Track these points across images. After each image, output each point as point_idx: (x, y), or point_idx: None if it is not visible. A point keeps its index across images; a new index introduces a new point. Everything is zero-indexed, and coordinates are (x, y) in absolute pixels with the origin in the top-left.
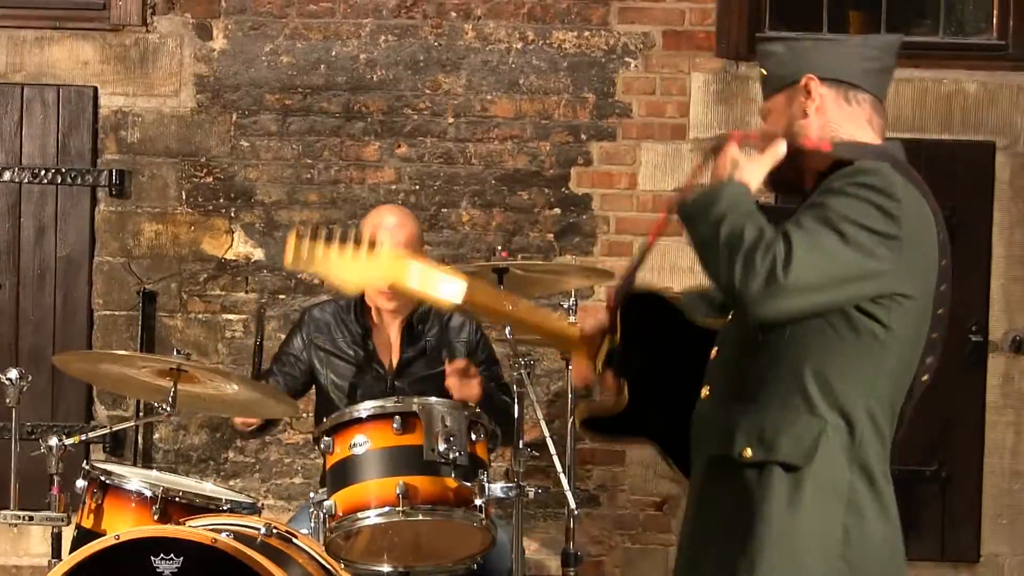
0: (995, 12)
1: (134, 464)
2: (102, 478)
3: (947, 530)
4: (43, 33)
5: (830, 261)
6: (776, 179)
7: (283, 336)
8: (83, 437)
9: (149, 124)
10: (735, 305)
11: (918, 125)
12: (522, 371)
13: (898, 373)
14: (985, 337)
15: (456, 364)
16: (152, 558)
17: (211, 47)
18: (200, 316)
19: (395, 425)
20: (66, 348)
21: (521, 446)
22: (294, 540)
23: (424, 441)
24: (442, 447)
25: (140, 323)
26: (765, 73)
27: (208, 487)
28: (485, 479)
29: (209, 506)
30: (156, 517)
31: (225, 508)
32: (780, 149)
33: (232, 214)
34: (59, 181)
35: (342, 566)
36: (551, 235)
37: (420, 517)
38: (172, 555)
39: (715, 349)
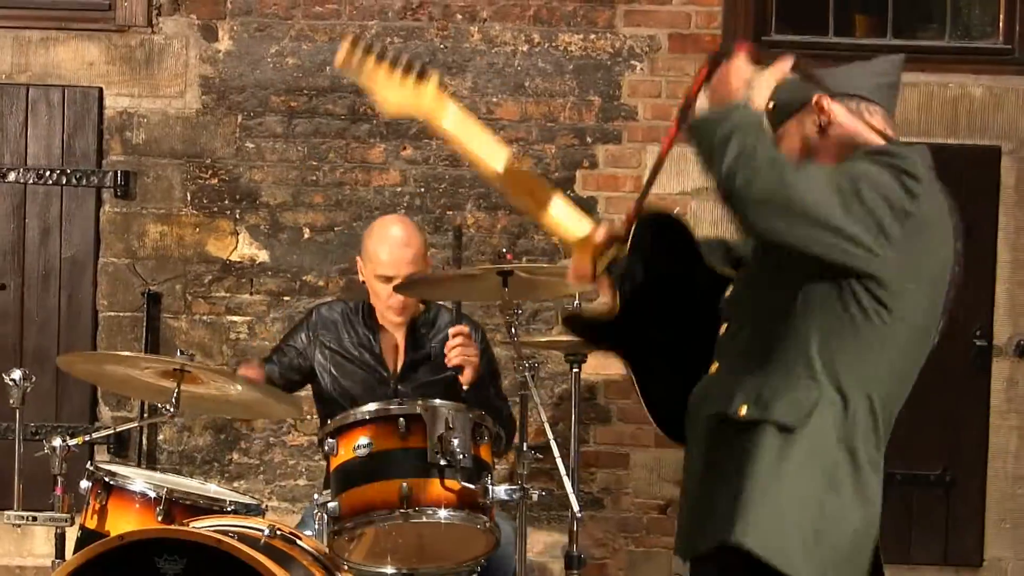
0: (1001, 16)
1: (138, 465)
2: (106, 479)
3: (950, 534)
4: (48, 34)
5: (838, 204)
6: None
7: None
8: (87, 438)
9: (154, 125)
10: (734, 210)
11: (923, 129)
12: (526, 373)
13: (900, 368)
14: (989, 342)
15: (460, 328)
16: (156, 559)
17: (216, 48)
18: (205, 318)
19: (399, 427)
20: (70, 349)
21: (525, 449)
22: (298, 542)
23: (428, 443)
24: (446, 449)
25: (145, 324)
26: (772, 104)
27: (212, 488)
28: (489, 481)
29: (213, 507)
30: (160, 518)
31: (229, 509)
32: (785, 66)
33: (237, 216)
34: (64, 182)
35: (346, 568)
36: (556, 238)
37: (424, 519)
38: (176, 556)
39: (724, 326)
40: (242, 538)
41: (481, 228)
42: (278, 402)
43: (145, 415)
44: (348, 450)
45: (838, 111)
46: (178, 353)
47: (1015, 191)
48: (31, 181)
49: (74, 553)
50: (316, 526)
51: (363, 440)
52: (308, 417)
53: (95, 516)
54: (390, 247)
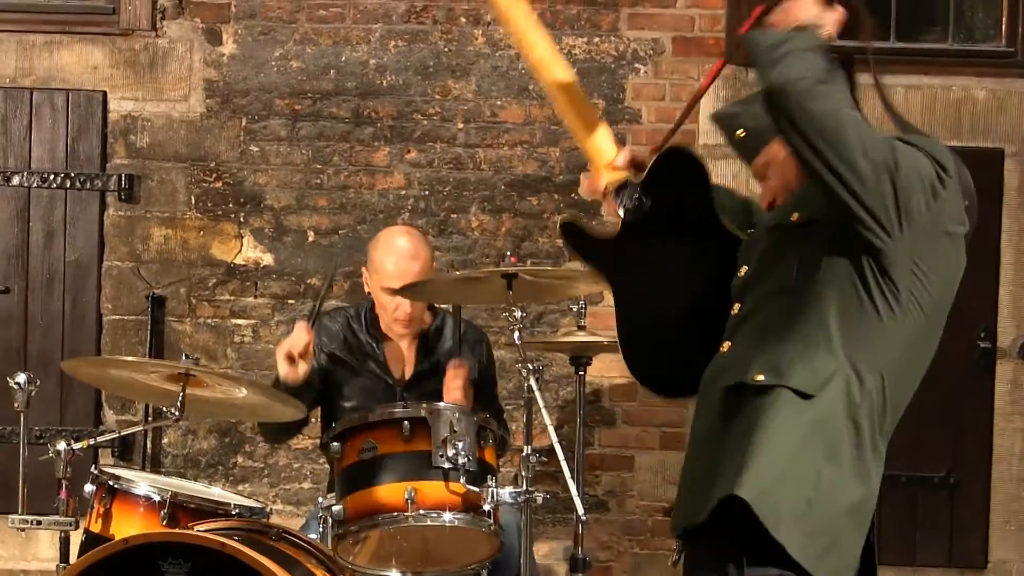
0: (1004, 19)
1: (143, 469)
2: (110, 482)
3: (955, 536)
4: (52, 38)
5: (871, 172)
6: None
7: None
8: (91, 441)
9: (158, 129)
10: (782, 111)
11: (927, 132)
12: (531, 376)
13: (909, 359)
14: (994, 344)
15: (459, 365)
16: (160, 562)
17: (221, 52)
18: (209, 321)
19: (404, 430)
20: (75, 353)
21: (529, 452)
22: (302, 545)
23: (433, 447)
24: (451, 452)
25: (149, 328)
26: (744, 133)
27: (216, 492)
28: (494, 484)
29: (218, 511)
30: (164, 522)
31: (233, 513)
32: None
33: (241, 219)
34: (68, 186)
35: (350, 571)
36: (560, 241)
37: (428, 522)
38: (180, 560)
39: (736, 305)
40: (247, 541)
41: (486, 231)
42: (283, 404)
43: (149, 419)
44: (353, 453)
45: None
46: (183, 357)
47: (1018, 193)
48: (35, 185)
49: (78, 557)
50: (320, 529)
51: (368, 443)
52: (313, 420)
53: (99, 520)
54: (396, 259)
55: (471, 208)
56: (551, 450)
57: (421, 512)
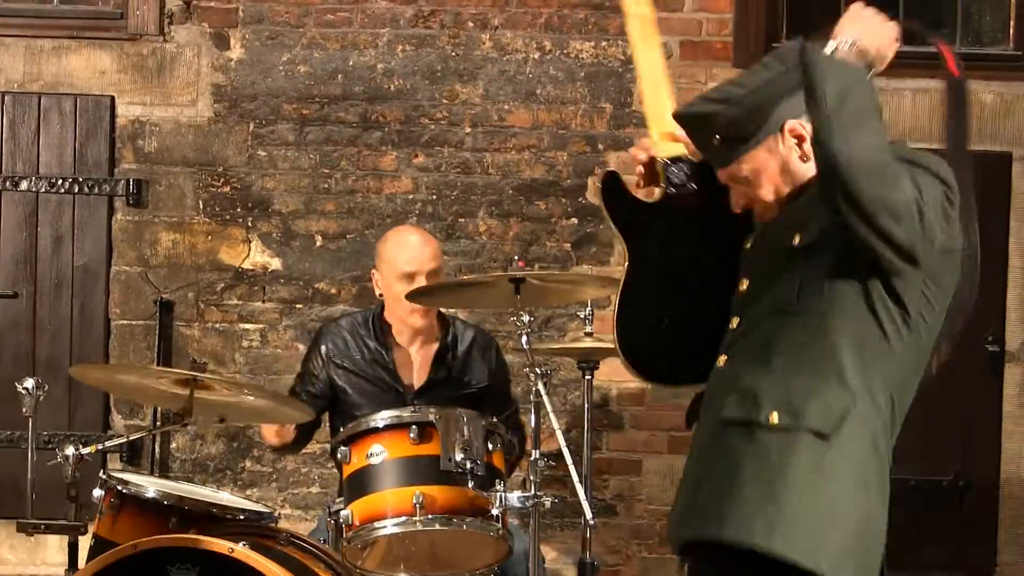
0: (1012, 23)
1: (151, 473)
2: (119, 487)
3: (963, 540)
4: (60, 43)
5: (910, 212)
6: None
7: (300, 347)
8: (100, 446)
9: (166, 134)
10: (833, 158)
11: (934, 135)
12: (538, 381)
13: (912, 374)
14: (1002, 347)
15: None
16: (169, 567)
17: (228, 57)
18: (217, 326)
19: (412, 435)
20: (83, 358)
21: (537, 456)
22: (311, 549)
23: (441, 451)
24: (459, 457)
25: (157, 333)
26: (719, 140)
27: (225, 496)
28: (502, 489)
29: (226, 515)
30: (173, 527)
31: (242, 517)
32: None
33: (249, 224)
34: (76, 190)
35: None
36: (568, 245)
37: (437, 527)
38: (189, 564)
39: (735, 319)
40: (255, 546)
41: (493, 236)
42: (290, 408)
43: (158, 423)
44: (361, 458)
45: (810, 133)
46: (191, 361)
47: None
48: (43, 190)
49: (87, 562)
50: (329, 534)
51: (376, 448)
52: (321, 425)
53: (108, 525)
54: (409, 246)
55: (479, 212)
56: (559, 454)
57: (429, 516)
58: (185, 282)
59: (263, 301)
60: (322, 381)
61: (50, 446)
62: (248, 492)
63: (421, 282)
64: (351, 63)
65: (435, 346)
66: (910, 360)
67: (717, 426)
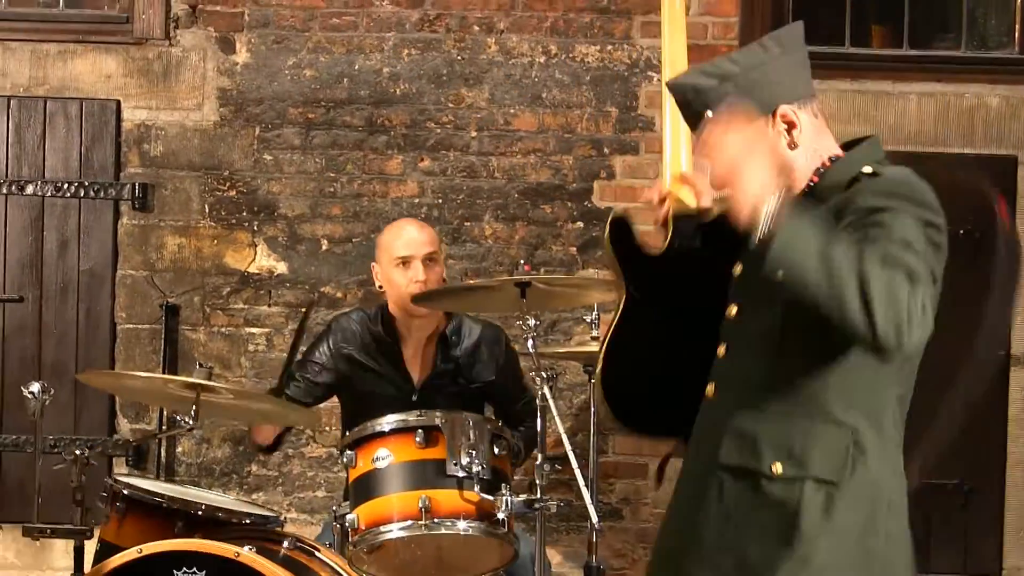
0: (1017, 26)
1: (157, 477)
2: (125, 492)
3: (969, 544)
4: (66, 47)
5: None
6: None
7: (304, 350)
8: (106, 450)
9: (172, 138)
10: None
11: (940, 139)
12: (544, 384)
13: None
14: (1007, 351)
15: None
16: (175, 572)
17: (234, 61)
18: (223, 330)
19: (418, 439)
20: (89, 362)
21: (543, 460)
22: (316, 554)
23: (447, 455)
24: (465, 460)
25: (163, 337)
26: (711, 113)
27: (230, 500)
28: (508, 492)
29: (232, 520)
30: (178, 531)
31: (248, 522)
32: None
33: (255, 227)
34: (82, 195)
35: None
36: (574, 249)
37: (443, 531)
38: (195, 569)
39: (723, 347)
40: (261, 551)
41: (499, 239)
42: (295, 412)
43: (164, 427)
44: (367, 462)
45: (804, 120)
46: (197, 366)
47: None
48: (49, 194)
49: (93, 566)
50: (335, 538)
51: (382, 452)
52: (327, 429)
53: (114, 529)
54: (404, 232)
55: (484, 216)
56: (565, 458)
57: (435, 520)
58: (191, 286)
59: (269, 305)
60: (327, 371)
61: (56, 450)
62: (254, 496)
63: (417, 268)
64: (357, 67)
65: (440, 336)
66: (906, 376)
67: (712, 468)
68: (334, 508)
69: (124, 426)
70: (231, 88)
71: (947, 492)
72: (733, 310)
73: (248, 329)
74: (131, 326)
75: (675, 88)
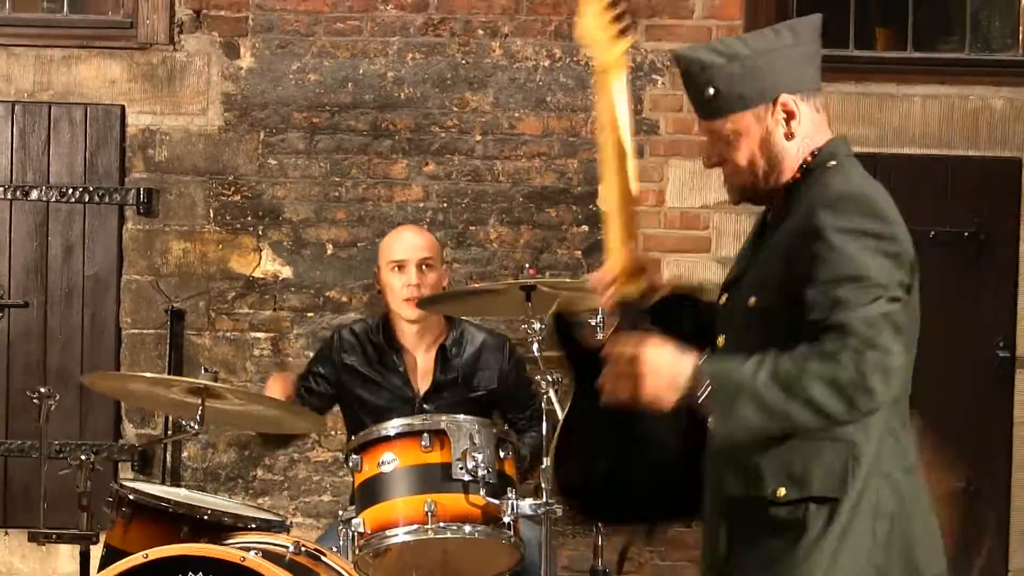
0: (1021, 28)
1: (162, 482)
2: (130, 496)
3: (975, 545)
4: (70, 52)
5: (886, 317)
6: (751, 195)
7: (311, 356)
8: (111, 455)
9: (177, 142)
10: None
11: (944, 141)
12: (550, 388)
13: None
14: (1012, 353)
15: None
16: None
17: (238, 65)
18: (228, 334)
19: (423, 443)
20: (94, 367)
21: (548, 463)
22: (322, 558)
23: (452, 459)
24: (470, 464)
25: (168, 341)
26: (712, 92)
27: (236, 505)
28: (513, 496)
29: (237, 524)
30: (184, 536)
31: (253, 526)
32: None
33: (260, 232)
34: (87, 200)
35: None
36: (579, 252)
37: (448, 535)
38: (200, 574)
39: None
40: (267, 555)
41: (504, 243)
42: (301, 418)
43: (169, 432)
44: (373, 466)
45: (803, 111)
46: (202, 370)
47: None
48: (54, 199)
49: (98, 571)
50: (341, 542)
51: (387, 456)
52: (332, 433)
53: (119, 534)
54: (401, 237)
55: (489, 220)
56: None
57: (441, 524)
58: (196, 291)
59: (274, 310)
60: (330, 383)
61: (61, 455)
62: (260, 500)
63: (411, 272)
64: (361, 71)
65: (440, 347)
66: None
67: (722, 502)
68: (340, 512)
69: (129, 431)
70: (235, 93)
71: (952, 494)
72: (721, 340)
73: (253, 334)
74: (136, 331)
75: (682, 60)
